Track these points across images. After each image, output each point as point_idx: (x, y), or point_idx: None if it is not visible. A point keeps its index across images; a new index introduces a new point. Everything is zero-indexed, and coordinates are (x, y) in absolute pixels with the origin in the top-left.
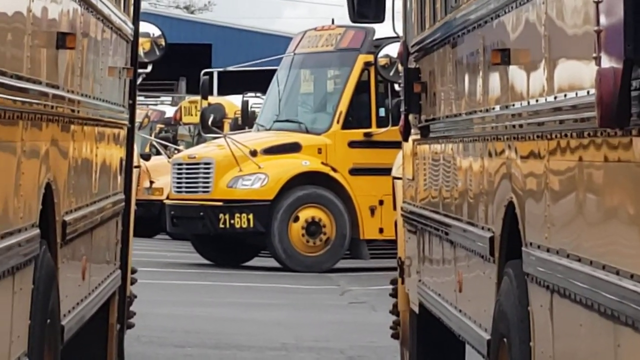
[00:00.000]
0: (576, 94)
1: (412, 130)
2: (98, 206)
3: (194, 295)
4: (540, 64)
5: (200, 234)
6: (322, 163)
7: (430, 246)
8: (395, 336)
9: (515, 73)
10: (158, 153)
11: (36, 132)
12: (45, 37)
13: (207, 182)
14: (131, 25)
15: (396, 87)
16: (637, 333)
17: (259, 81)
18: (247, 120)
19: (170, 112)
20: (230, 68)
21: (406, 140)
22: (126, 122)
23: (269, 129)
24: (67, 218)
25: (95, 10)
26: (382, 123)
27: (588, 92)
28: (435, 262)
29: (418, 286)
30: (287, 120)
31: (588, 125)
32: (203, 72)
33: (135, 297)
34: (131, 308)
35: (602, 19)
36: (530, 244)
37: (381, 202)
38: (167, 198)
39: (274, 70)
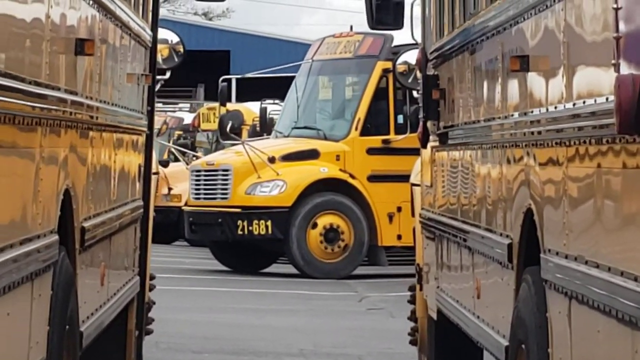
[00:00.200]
0: (595, 100)
1: (431, 137)
2: (117, 212)
3: (212, 302)
4: (559, 70)
5: (218, 241)
6: (340, 170)
7: (448, 253)
8: (413, 342)
9: (534, 80)
10: (176, 160)
11: (55, 139)
12: (64, 43)
13: (226, 189)
14: (150, 32)
15: (414, 93)
16: None
17: (277, 88)
18: (265, 127)
19: (188, 118)
20: (249, 75)
21: (424, 147)
22: (145, 129)
23: (287, 136)
24: (86, 224)
25: (114, 17)
26: (400, 130)
27: (607, 99)
28: (454, 268)
29: (436, 293)
30: (305, 127)
31: (607, 132)
32: (221, 78)
33: (154, 303)
34: (150, 314)
35: (621, 26)
36: (549, 250)
37: (399, 209)
38: (186, 205)
39: (292, 77)
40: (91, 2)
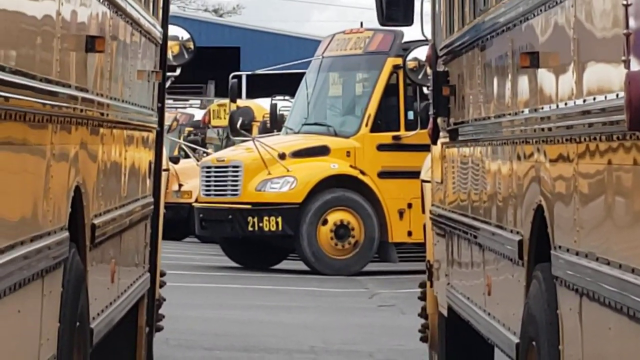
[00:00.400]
0: (605, 97)
1: (441, 134)
2: (127, 209)
3: (222, 298)
4: (569, 67)
5: (228, 237)
6: (351, 166)
7: (459, 249)
8: (424, 339)
9: (544, 76)
10: (187, 156)
11: (65, 136)
12: (75, 40)
13: (236, 185)
14: (160, 29)
15: (425, 90)
16: None
17: (288, 84)
18: (275, 123)
19: (199, 115)
20: (259, 71)
21: (435, 143)
22: (155, 125)
23: (298, 132)
24: (96, 221)
25: (125, 14)
26: (410, 126)
27: (617, 95)
28: (464, 265)
29: (447, 289)
30: (315, 124)
31: (617, 128)
32: (232, 75)
33: (164, 300)
34: (160, 311)
35: (632, 22)
36: (559, 247)
37: (410, 205)
38: (196, 201)
39: (303, 74)
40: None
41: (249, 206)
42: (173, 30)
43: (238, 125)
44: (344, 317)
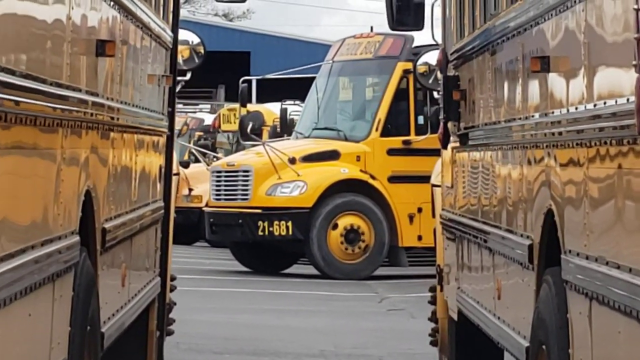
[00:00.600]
0: (616, 101)
1: (451, 138)
2: (137, 213)
3: (232, 303)
4: (579, 71)
5: (239, 242)
6: (361, 171)
7: (469, 254)
8: (434, 343)
9: (555, 80)
10: (197, 160)
11: (76, 140)
12: (85, 44)
13: (246, 190)
14: (170, 33)
15: (435, 94)
16: None
17: (298, 89)
18: (285, 127)
19: (209, 119)
20: (269, 76)
21: (445, 147)
22: (165, 130)
23: (308, 137)
24: (107, 225)
25: (135, 18)
26: (420, 131)
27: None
28: (474, 269)
29: (457, 293)
30: (325, 128)
31: (627, 133)
32: (242, 79)
33: (175, 304)
34: (170, 315)
35: None
36: (570, 251)
37: (420, 210)
38: (206, 205)
39: (313, 78)
40: (112, 4)
41: (259, 210)
42: (183, 34)
43: (248, 130)
44: (354, 321)
